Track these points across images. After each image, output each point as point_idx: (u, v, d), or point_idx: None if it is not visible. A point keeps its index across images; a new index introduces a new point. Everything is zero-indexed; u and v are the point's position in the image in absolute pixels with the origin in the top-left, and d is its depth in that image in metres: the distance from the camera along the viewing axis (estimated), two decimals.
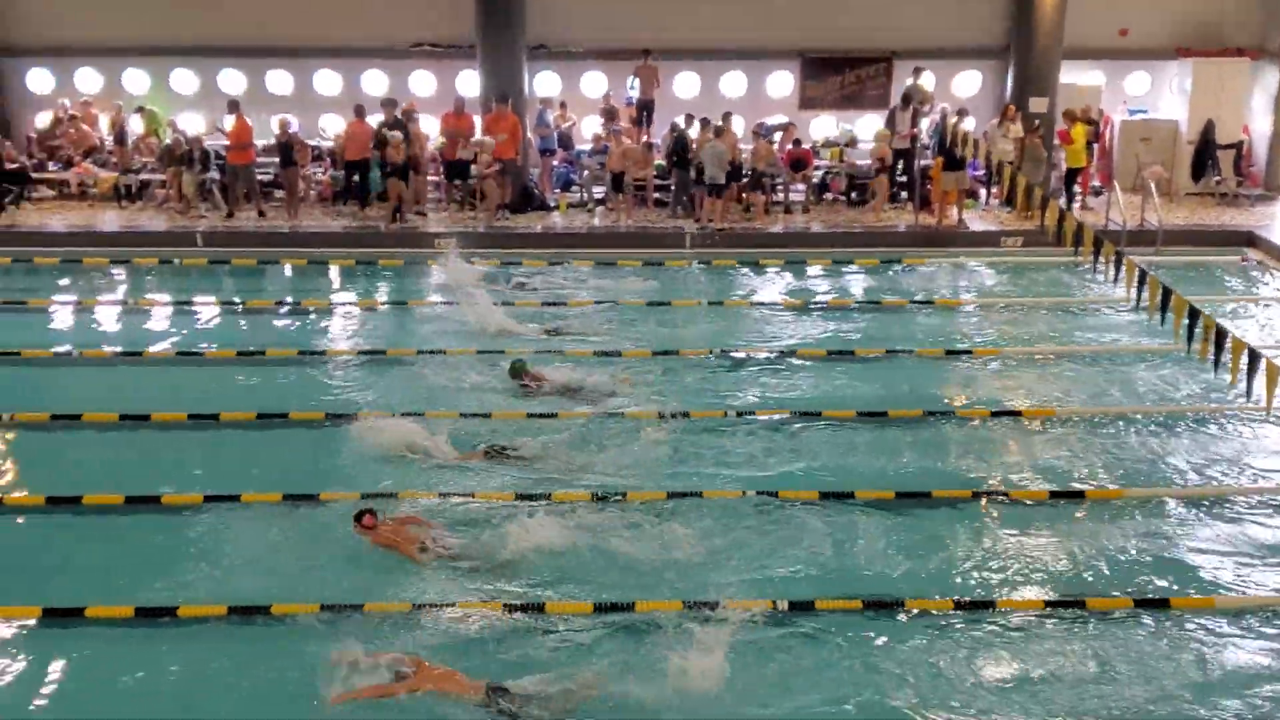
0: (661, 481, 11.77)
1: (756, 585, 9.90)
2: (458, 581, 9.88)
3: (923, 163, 22.54)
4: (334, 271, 19.71)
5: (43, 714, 8.39)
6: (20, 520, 11.12)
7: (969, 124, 22.82)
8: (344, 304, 17.99)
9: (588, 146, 23.88)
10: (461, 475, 11.79)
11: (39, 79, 24.19)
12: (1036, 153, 22.29)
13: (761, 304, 18.07)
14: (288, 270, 19.76)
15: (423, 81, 24.16)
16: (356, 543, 10.35)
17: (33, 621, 9.34)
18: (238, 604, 9.42)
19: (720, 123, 21.88)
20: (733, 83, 24.72)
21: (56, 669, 8.85)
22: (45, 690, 8.62)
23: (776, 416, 13.43)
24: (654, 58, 23.40)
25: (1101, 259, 14.29)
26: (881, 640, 9.22)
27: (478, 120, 22.52)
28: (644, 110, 23.62)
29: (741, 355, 15.57)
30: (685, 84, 24.63)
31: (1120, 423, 13.39)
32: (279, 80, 24.25)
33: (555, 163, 23.72)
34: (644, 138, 23.20)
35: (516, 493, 11.41)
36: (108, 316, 17.49)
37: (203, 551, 10.41)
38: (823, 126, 24.91)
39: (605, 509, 11.15)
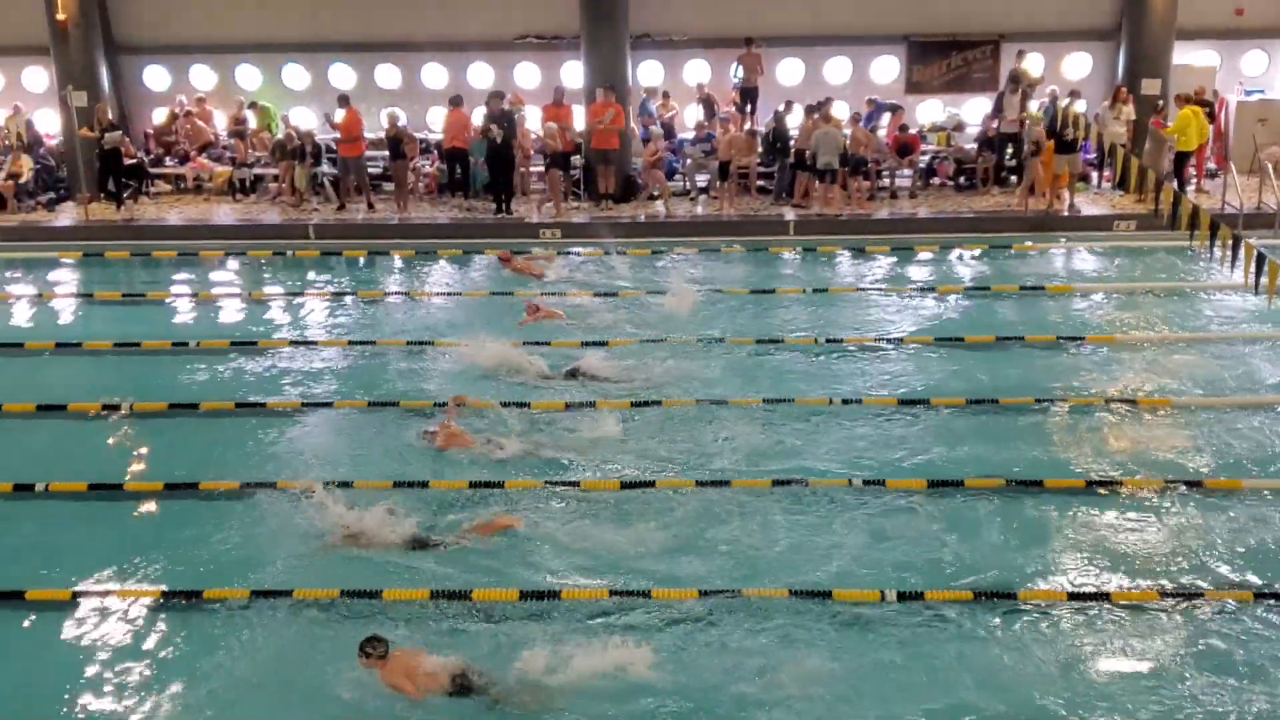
0: (765, 468, 11.74)
1: (864, 575, 9.83)
2: None
3: (1032, 146, 22.10)
4: (441, 262, 19.93)
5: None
6: (142, 506, 11.45)
7: (1080, 106, 22.33)
8: (450, 293, 18.16)
9: (690, 135, 23.84)
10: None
11: (155, 76, 24.80)
12: (1158, 134, 21.74)
13: (867, 290, 17.90)
14: (397, 261, 20.02)
15: (528, 73, 24.32)
16: None
17: (150, 602, 9.63)
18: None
19: (824, 109, 21.71)
20: (836, 68, 24.48)
21: (177, 647, 9.09)
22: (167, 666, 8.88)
23: (883, 404, 13.30)
24: (757, 44, 23.28)
25: (1218, 243, 13.91)
26: (993, 632, 9.10)
27: (578, 110, 22.60)
28: (747, 97, 23.52)
29: (846, 342, 15.45)
30: (789, 70, 24.46)
31: (1238, 411, 13.02)
32: (387, 74, 24.58)
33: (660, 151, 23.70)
34: (747, 125, 23.11)
35: (622, 481, 11.46)
36: (223, 308, 17.90)
37: (316, 533, 10.62)
38: (929, 110, 24.57)
39: (707, 493, 11.15)
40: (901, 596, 9.41)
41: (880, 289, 17.97)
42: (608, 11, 22.31)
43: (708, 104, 23.52)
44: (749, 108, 23.50)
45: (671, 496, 11.16)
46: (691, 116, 24.13)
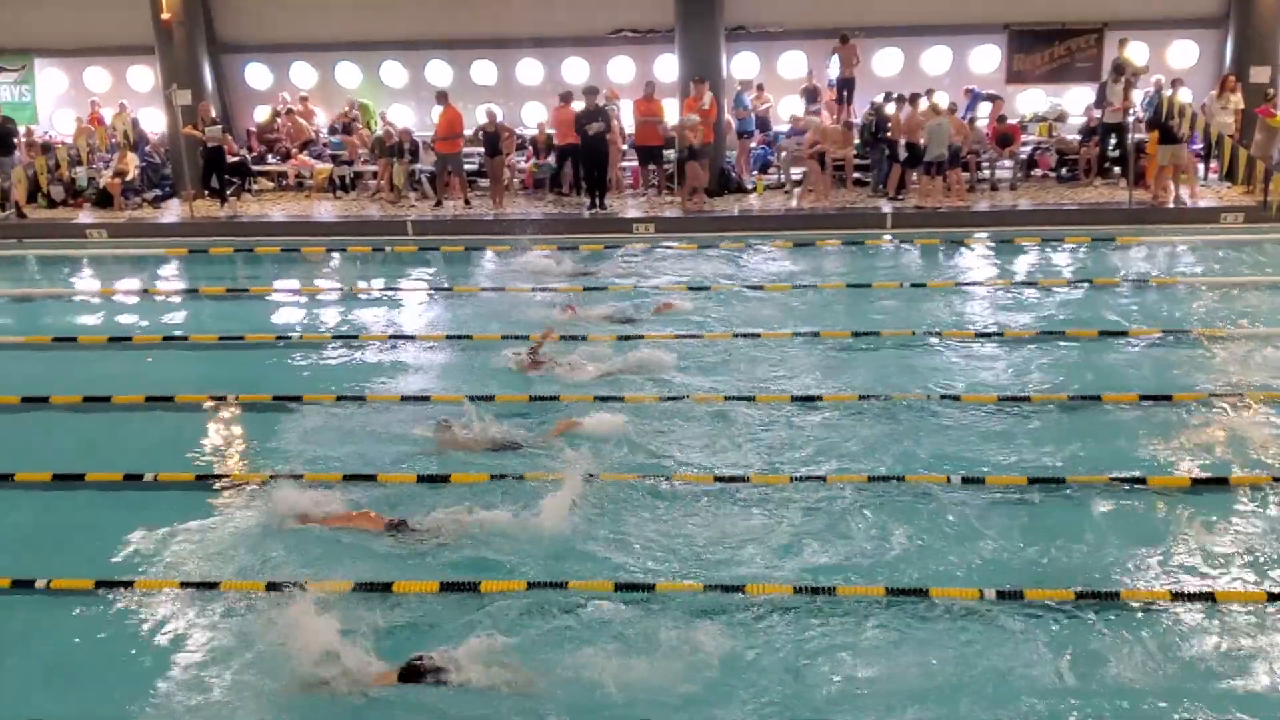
0: (861, 464, 11.62)
1: (964, 574, 9.69)
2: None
3: (1137, 137, 21.63)
4: (536, 257, 20.03)
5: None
6: (248, 495, 11.65)
7: (1185, 96, 21.79)
8: (545, 288, 18.26)
9: (785, 128, 23.70)
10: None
11: (257, 74, 25.27)
12: (1267, 124, 21.15)
13: (966, 284, 17.66)
14: (490, 256, 20.18)
15: (622, 68, 24.35)
16: None
17: (258, 594, 9.80)
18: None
19: (927, 99, 21.46)
20: (935, 58, 24.16)
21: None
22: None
23: (982, 400, 13.10)
24: (854, 35, 23.06)
25: None
26: (1100, 632, 8.90)
27: (669, 104, 22.58)
28: (844, 89, 23.32)
29: (945, 337, 15.26)
30: (886, 61, 24.19)
31: None
32: (483, 71, 24.77)
33: (753, 144, 23.62)
34: (844, 116, 22.91)
35: (716, 476, 11.42)
36: (324, 302, 18.20)
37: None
38: (1030, 100, 24.15)
39: (805, 489, 11.07)
40: (1001, 595, 9.25)
41: (979, 282, 17.72)
42: (704, 4, 22.26)
43: (811, 95, 23.37)
44: (845, 99, 23.30)
45: (764, 492, 11.08)
46: (787, 109, 23.98)
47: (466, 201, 22.63)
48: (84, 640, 9.14)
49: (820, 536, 10.35)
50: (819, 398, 13.21)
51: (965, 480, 11.17)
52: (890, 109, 22.37)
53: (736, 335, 15.44)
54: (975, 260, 19.06)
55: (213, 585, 9.83)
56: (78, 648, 9.05)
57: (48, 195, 23.09)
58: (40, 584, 9.78)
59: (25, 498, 11.57)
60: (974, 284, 17.73)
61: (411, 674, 8.22)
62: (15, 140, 23.04)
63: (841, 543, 10.26)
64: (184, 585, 9.82)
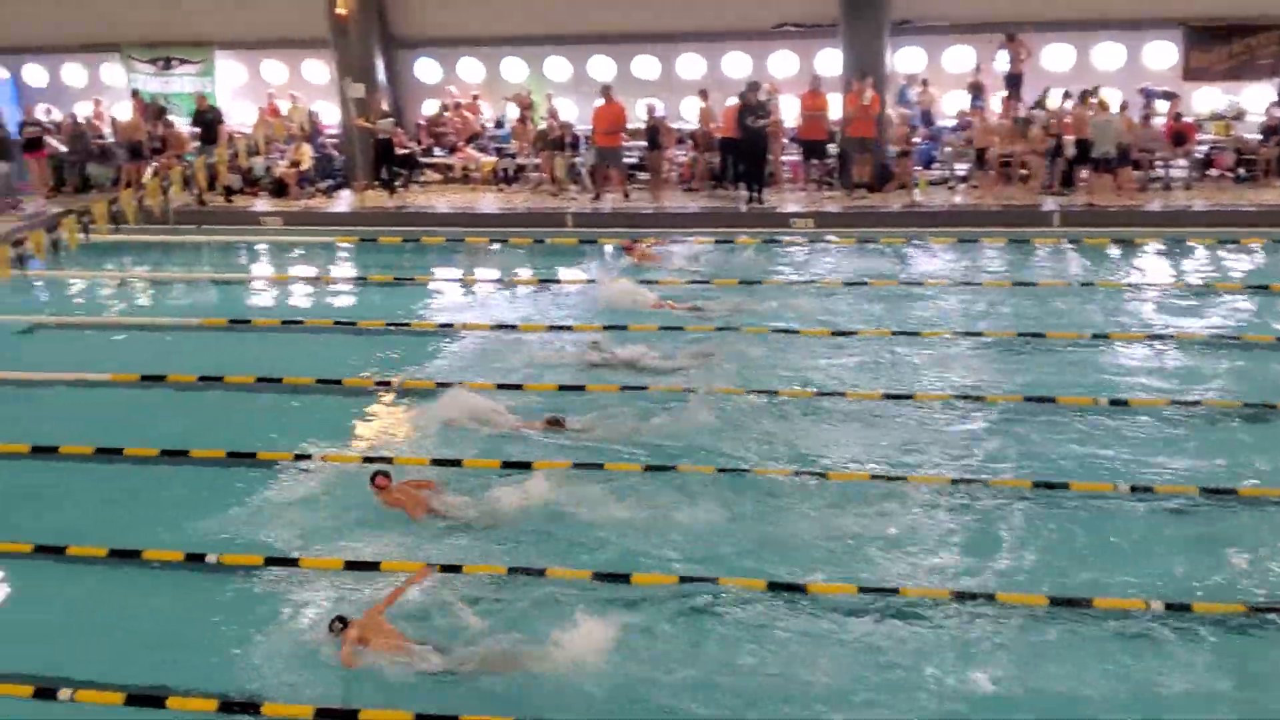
0: (1024, 468, 11.38)
1: (1129, 584, 9.41)
2: None
3: None
4: (692, 250, 20.06)
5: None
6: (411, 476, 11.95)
7: None
8: (700, 281, 18.25)
9: (950, 123, 23.30)
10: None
11: (427, 69, 25.84)
12: None
13: (1136, 285, 17.15)
14: (651, 248, 20.24)
15: (784, 62, 24.21)
16: None
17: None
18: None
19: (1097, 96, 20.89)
20: (1107, 54, 23.44)
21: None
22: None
23: (1152, 405, 12.71)
24: (1022, 30, 22.53)
25: None
26: (1263, 645, 8.59)
27: (835, 99, 22.39)
28: (1012, 84, 22.80)
29: (1113, 339, 14.83)
30: (1056, 56, 23.56)
31: None
32: (645, 65, 24.90)
33: (916, 139, 23.28)
34: (1011, 112, 22.41)
35: (872, 474, 11.31)
36: (486, 292, 18.50)
37: (562, 515, 10.87)
38: (1207, 98, 23.26)
39: (962, 492, 10.90)
40: (1170, 608, 8.96)
41: (1150, 284, 17.18)
42: None
43: (976, 90, 22.93)
44: (1013, 95, 22.78)
45: (924, 494, 10.93)
46: (952, 104, 23.57)
47: (625, 194, 22.80)
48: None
49: (980, 541, 10.18)
50: (981, 399, 12.97)
51: (1133, 489, 10.85)
52: (1053, 103, 21.80)
53: (896, 333, 15.25)
54: (1146, 261, 18.48)
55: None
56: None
57: (226, 184, 24.00)
58: (211, 559, 10.21)
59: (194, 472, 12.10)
60: (1144, 285, 17.19)
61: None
62: (220, 129, 23.96)
63: (1002, 548, 10.07)
64: (348, 565, 10.13)
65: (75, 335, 16.95)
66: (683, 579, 9.57)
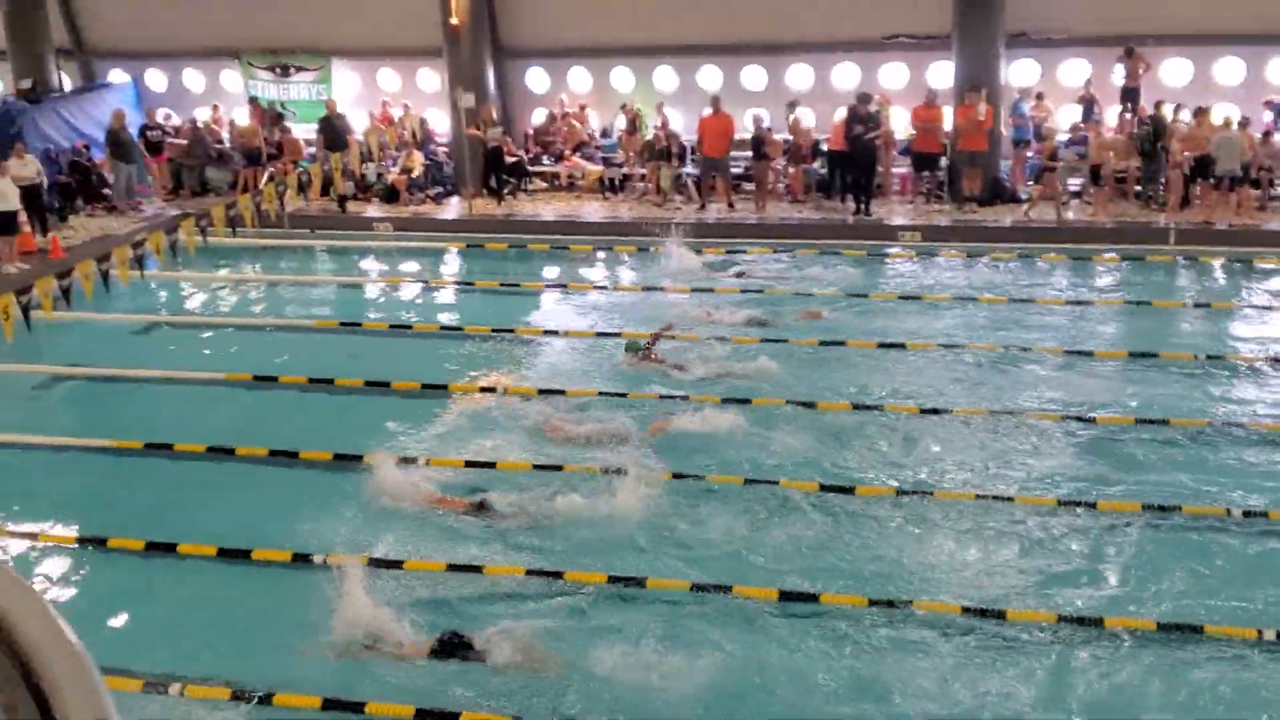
0: (1134, 489, 11.13)
1: (1241, 611, 9.16)
2: None
3: None
4: (796, 261, 19.94)
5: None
6: (519, 480, 12.06)
7: None
8: (804, 293, 18.14)
9: (1065, 137, 22.90)
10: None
11: (537, 78, 26.09)
12: None
13: (1253, 306, 16.69)
14: (750, 258, 20.18)
15: (895, 74, 24.01)
16: None
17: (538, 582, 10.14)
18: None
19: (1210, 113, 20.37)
20: (1229, 69, 22.84)
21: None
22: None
23: (1273, 430, 12.34)
24: (1143, 43, 22.06)
25: None
26: None
27: (948, 111, 22.15)
28: (1128, 99, 22.35)
29: (1229, 360, 14.45)
30: (1175, 70, 23.02)
31: None
32: (753, 76, 24.85)
33: (1029, 154, 22.92)
34: (1127, 127, 21.96)
35: (978, 494, 11.14)
36: (589, 299, 18.57)
37: (669, 526, 10.88)
38: None
39: (1070, 514, 10.68)
40: None
41: (1268, 306, 16.71)
42: (983, 9, 21.73)
43: (1087, 105, 22.51)
44: (1130, 110, 22.32)
45: (1030, 515, 10.75)
46: (1066, 118, 23.16)
47: (730, 205, 22.77)
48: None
49: (1087, 564, 9.99)
50: (1091, 419, 12.71)
51: (1246, 514, 10.56)
52: (1168, 117, 21.30)
53: (1005, 348, 15.03)
54: (1263, 281, 17.96)
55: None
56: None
57: (339, 190, 24.47)
58: (319, 558, 10.39)
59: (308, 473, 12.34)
60: (1262, 307, 16.72)
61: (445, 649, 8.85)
62: (348, 137, 24.34)
63: (1110, 571, 9.88)
64: (449, 567, 10.25)
65: (191, 335, 17.40)
66: (783, 593, 9.53)
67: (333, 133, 24.13)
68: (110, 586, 10.30)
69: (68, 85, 26.98)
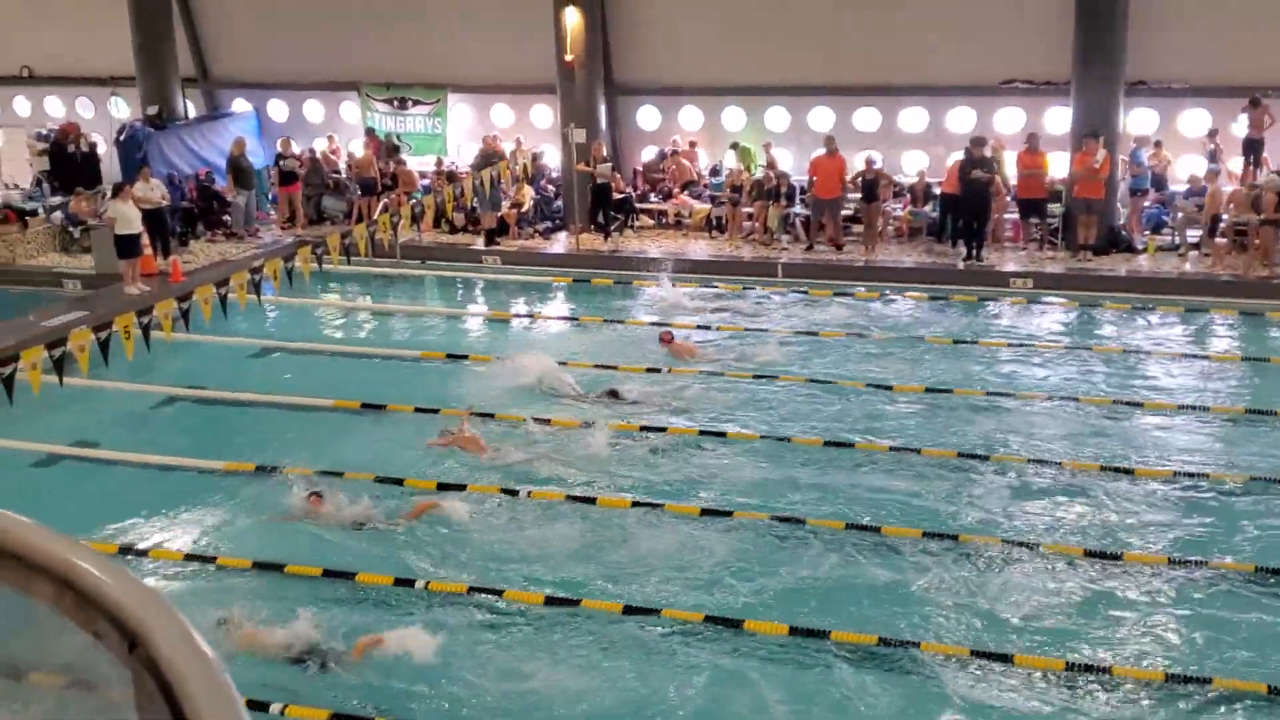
0: (1245, 553, 10.82)
1: None
2: None
3: None
4: (906, 305, 19.77)
5: None
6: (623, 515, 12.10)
7: None
8: (913, 337, 17.95)
9: (1183, 187, 22.42)
10: None
11: (648, 116, 26.27)
12: None
13: None
14: (859, 303, 20.04)
15: (1010, 118, 23.73)
16: None
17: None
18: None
19: None
20: None
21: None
22: None
23: None
24: (1267, 95, 21.53)
25: None
26: None
27: (1058, 157, 21.83)
28: (1251, 150, 21.82)
29: None
30: None
31: None
32: (866, 117, 24.75)
33: (1146, 203, 22.49)
34: (1249, 179, 21.44)
35: (1088, 550, 10.90)
36: (704, 336, 18.42)
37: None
38: None
39: (1180, 573, 10.40)
40: None
41: None
42: (1103, 57, 21.40)
43: (1211, 155, 22.04)
44: (1253, 161, 21.79)
45: (1139, 573, 10.50)
46: (1185, 168, 22.68)
47: (839, 246, 22.66)
48: None
49: (1197, 623, 9.73)
50: (1205, 475, 12.39)
51: None
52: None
53: (1117, 402, 14.73)
54: None
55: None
56: None
57: (450, 221, 24.83)
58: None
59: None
60: None
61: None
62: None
63: (1221, 632, 9.60)
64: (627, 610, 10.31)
65: (303, 361, 17.75)
66: (883, 640, 9.43)
67: (485, 164, 24.02)
68: (221, 605, 10.49)
69: (192, 112, 27.79)
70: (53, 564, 1.88)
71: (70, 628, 1.85)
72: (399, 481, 12.83)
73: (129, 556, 11.33)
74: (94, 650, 1.82)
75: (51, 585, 1.86)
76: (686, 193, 25.14)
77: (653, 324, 18.68)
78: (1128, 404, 14.69)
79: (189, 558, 11.33)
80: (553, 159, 26.18)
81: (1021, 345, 17.32)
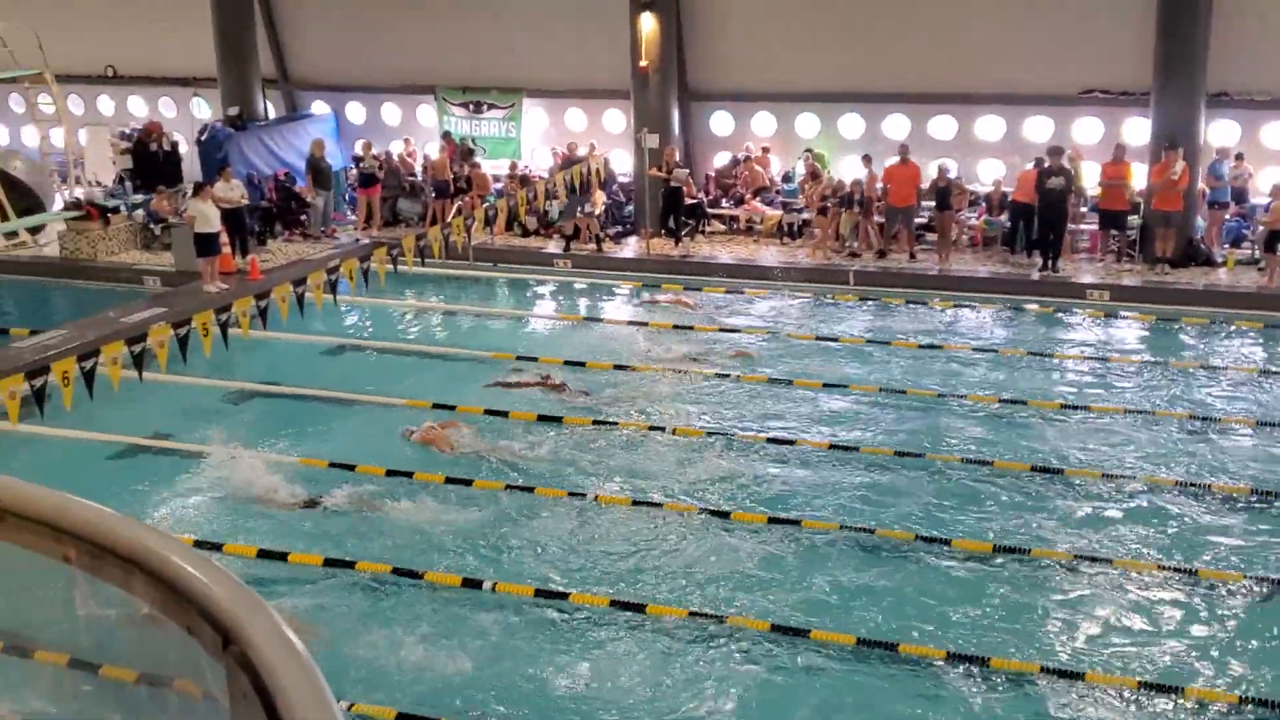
0: None
1: None
2: None
3: None
4: (980, 315, 19.61)
5: None
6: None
7: None
8: (986, 348, 17.81)
9: (1265, 200, 21.99)
10: None
11: (721, 122, 26.25)
12: None
13: None
14: (934, 310, 19.89)
15: (1088, 128, 23.41)
16: None
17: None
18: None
19: None
20: None
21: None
22: None
23: None
24: None
25: None
26: None
27: (1140, 168, 21.52)
28: None
29: None
30: None
31: None
32: (941, 125, 24.54)
33: (1226, 216, 22.10)
34: None
35: (1161, 565, 10.74)
36: (768, 345, 18.42)
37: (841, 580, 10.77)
38: None
39: (1256, 591, 10.22)
40: None
41: None
42: (1185, 68, 21.06)
43: None
44: None
45: (1215, 591, 10.33)
46: (1268, 180, 22.25)
47: (912, 255, 22.49)
48: None
49: (1274, 644, 9.55)
50: (1276, 493, 12.16)
51: None
52: None
53: (1193, 417, 14.50)
54: None
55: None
56: None
57: (522, 224, 24.98)
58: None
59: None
60: None
61: None
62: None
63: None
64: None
65: (376, 359, 17.97)
66: (951, 654, 9.37)
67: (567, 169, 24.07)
68: (294, 603, 10.64)
69: (272, 114, 28.18)
70: (150, 560, 1.93)
71: (166, 623, 1.90)
72: (468, 483, 12.92)
73: (206, 550, 11.53)
74: (188, 645, 1.87)
75: (148, 581, 1.92)
76: (758, 199, 25.08)
77: (724, 331, 18.68)
78: (1203, 419, 14.45)
79: (262, 554, 11.48)
80: (623, 164, 26.21)
81: (1096, 358, 17.12)
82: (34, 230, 24.49)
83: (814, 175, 23.89)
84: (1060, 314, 19.43)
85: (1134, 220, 21.67)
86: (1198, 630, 9.82)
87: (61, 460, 13.71)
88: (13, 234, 24.21)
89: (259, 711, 1.65)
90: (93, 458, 13.90)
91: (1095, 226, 22.36)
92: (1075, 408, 14.90)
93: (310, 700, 1.63)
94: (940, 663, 9.31)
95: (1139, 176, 21.62)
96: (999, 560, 10.95)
